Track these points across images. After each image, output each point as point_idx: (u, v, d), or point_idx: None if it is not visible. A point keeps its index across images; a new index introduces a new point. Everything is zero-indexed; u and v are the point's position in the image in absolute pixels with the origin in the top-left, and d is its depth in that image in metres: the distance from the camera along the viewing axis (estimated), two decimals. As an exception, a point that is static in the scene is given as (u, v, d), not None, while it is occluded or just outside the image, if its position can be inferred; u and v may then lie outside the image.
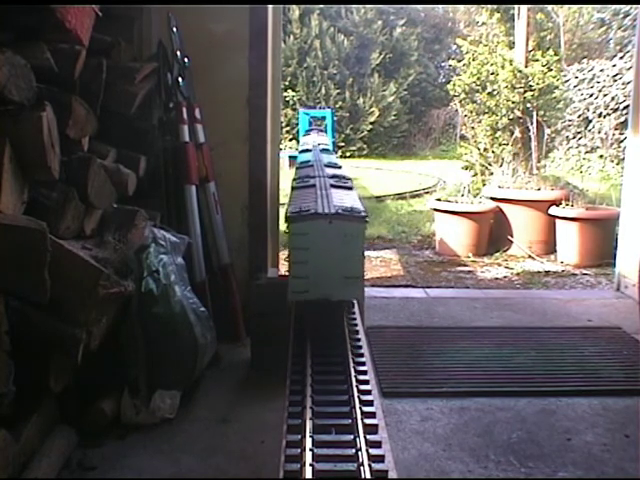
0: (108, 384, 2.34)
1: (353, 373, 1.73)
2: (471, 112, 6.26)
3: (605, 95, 9.58)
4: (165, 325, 2.42)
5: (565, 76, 8.39)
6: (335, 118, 13.54)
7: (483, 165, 6.23)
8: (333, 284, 1.97)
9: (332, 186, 2.54)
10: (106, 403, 2.28)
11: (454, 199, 5.87)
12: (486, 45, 6.35)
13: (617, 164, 8.76)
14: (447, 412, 2.51)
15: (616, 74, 9.65)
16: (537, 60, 5.93)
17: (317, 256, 1.96)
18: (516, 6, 6.08)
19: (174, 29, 3.08)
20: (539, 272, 5.02)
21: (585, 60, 10.46)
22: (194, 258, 3.01)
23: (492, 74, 6.00)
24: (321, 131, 6.76)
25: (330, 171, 3.02)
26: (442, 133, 15.80)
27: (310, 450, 1.35)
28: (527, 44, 6.07)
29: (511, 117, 5.94)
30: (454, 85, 6.31)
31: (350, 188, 2.62)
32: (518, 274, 5.00)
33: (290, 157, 9.44)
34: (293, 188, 2.62)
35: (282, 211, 3.35)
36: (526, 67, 5.96)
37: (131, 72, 2.77)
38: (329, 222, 1.97)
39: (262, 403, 2.48)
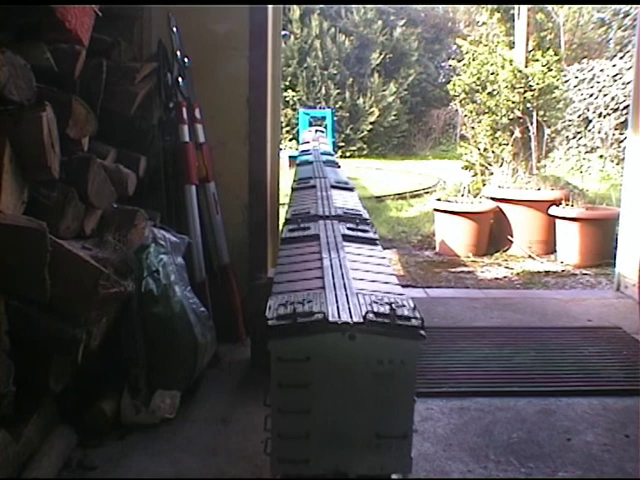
0: (108, 384, 2.34)
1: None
2: (471, 112, 6.26)
3: (605, 95, 9.57)
4: (165, 325, 2.41)
5: (565, 76, 8.38)
6: (335, 118, 13.54)
7: (483, 165, 6.23)
8: (354, 449, 1.24)
9: (345, 238, 1.84)
10: (106, 403, 2.28)
11: (454, 199, 5.87)
12: (486, 45, 6.35)
13: (617, 164, 8.76)
14: (447, 412, 2.51)
15: (616, 74, 9.65)
16: (537, 60, 5.92)
17: (326, 399, 1.24)
18: (516, 6, 6.07)
19: (174, 29, 3.08)
20: (539, 272, 5.02)
21: (585, 60, 10.46)
22: (194, 258, 3.01)
23: (492, 74, 6.00)
24: (321, 131, 6.70)
25: (338, 197, 2.42)
26: (442, 133, 15.80)
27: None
28: (527, 44, 6.06)
29: (511, 117, 5.94)
30: (454, 85, 6.31)
31: (372, 240, 1.88)
32: (518, 274, 5.00)
33: (290, 157, 9.43)
34: (283, 240, 1.95)
35: (282, 211, 3.36)
36: (526, 67, 5.96)
37: (131, 72, 2.78)
38: (349, 337, 1.21)
39: (262, 403, 2.47)
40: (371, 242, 1.87)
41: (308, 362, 1.22)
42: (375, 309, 1.26)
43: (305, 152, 4.47)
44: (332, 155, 4.49)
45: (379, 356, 1.21)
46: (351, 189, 2.75)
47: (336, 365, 1.22)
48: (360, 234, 1.92)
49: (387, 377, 1.21)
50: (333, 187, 2.69)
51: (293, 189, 2.92)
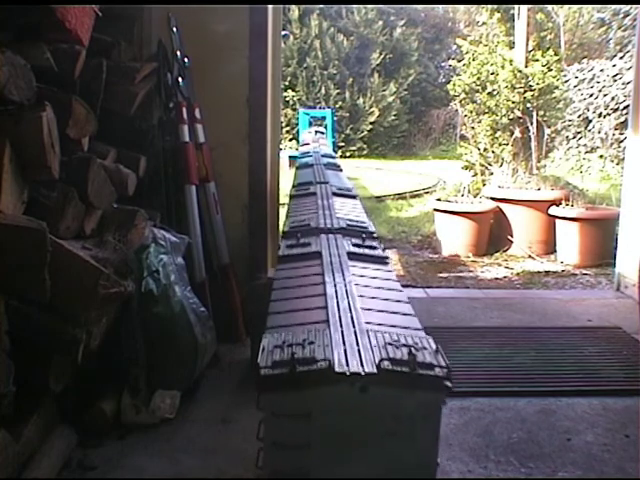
0: (108, 384, 2.34)
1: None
2: (471, 112, 6.26)
3: (605, 95, 9.57)
4: (165, 325, 2.41)
5: (565, 76, 8.38)
6: (335, 118, 13.54)
7: (483, 165, 6.23)
8: None
9: (351, 256, 1.64)
10: (106, 403, 2.28)
11: (454, 199, 5.86)
12: (486, 45, 6.35)
13: (617, 164, 8.76)
14: (447, 412, 2.50)
15: (616, 74, 9.65)
16: (537, 60, 5.92)
17: (330, 463, 1.02)
18: (516, 6, 6.07)
19: (174, 29, 3.08)
20: (539, 272, 5.02)
21: (585, 60, 10.45)
22: (194, 258, 3.01)
23: (492, 74, 6.00)
24: (321, 132, 6.58)
25: (341, 206, 2.20)
26: (442, 133, 15.79)
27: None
28: (527, 44, 6.06)
29: (511, 117, 5.94)
30: (454, 85, 6.31)
31: (382, 259, 1.68)
32: (518, 274, 5.00)
33: (290, 157, 9.42)
34: (281, 259, 1.75)
35: (282, 211, 3.36)
36: (526, 67, 5.96)
37: (131, 72, 2.77)
38: (360, 389, 0.99)
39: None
40: (380, 261, 1.68)
41: (309, 419, 1.00)
42: (391, 354, 1.05)
43: (305, 154, 4.36)
44: (333, 157, 4.36)
45: (396, 412, 0.99)
46: (354, 196, 2.62)
47: (343, 423, 1.00)
48: (367, 251, 1.74)
49: (405, 437, 0.98)
50: (335, 194, 2.53)
51: (291, 196, 2.79)
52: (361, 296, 1.41)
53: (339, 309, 1.31)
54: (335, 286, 1.44)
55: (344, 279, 1.48)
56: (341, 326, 1.22)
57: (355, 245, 1.79)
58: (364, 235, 1.87)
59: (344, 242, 1.79)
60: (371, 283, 1.52)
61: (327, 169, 3.42)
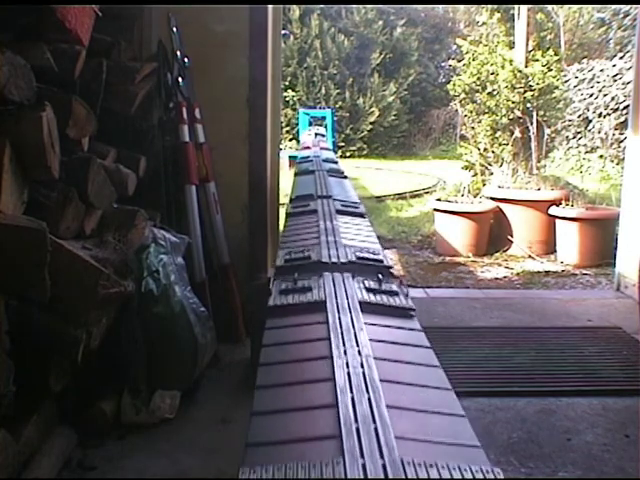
0: (108, 384, 2.34)
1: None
2: (471, 112, 6.26)
3: (605, 95, 9.57)
4: (165, 325, 2.41)
5: (565, 76, 8.38)
6: (335, 118, 13.54)
7: (483, 165, 6.23)
8: None
9: (364, 307, 1.31)
10: (106, 403, 2.28)
11: (454, 199, 5.86)
12: (486, 45, 6.34)
13: (617, 164, 8.75)
14: (447, 412, 2.50)
15: (616, 74, 9.65)
16: (537, 60, 5.92)
17: None
18: (516, 6, 6.07)
19: (174, 29, 3.08)
20: (539, 272, 5.02)
21: (585, 60, 10.45)
22: (194, 258, 3.01)
23: (492, 74, 6.00)
24: (322, 135, 6.33)
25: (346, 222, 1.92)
26: (442, 133, 15.79)
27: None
28: (527, 44, 6.06)
29: (511, 117, 5.94)
30: (454, 85, 6.31)
31: (405, 311, 1.33)
32: (518, 274, 5.00)
33: (290, 157, 9.42)
34: (272, 311, 1.38)
35: (282, 211, 3.35)
36: (526, 67, 5.96)
37: (131, 72, 2.78)
38: None
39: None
40: (403, 314, 1.32)
41: None
42: None
43: (305, 159, 4.08)
44: (336, 162, 4.05)
45: None
46: (362, 214, 2.29)
47: None
48: (385, 299, 1.37)
49: None
50: (339, 212, 2.21)
51: (288, 214, 2.42)
52: (385, 381, 1.04)
53: (355, 413, 0.93)
54: (347, 365, 1.07)
55: (359, 351, 1.13)
56: (361, 453, 0.83)
57: (369, 290, 1.42)
58: (379, 273, 1.53)
59: (354, 285, 1.45)
60: (396, 355, 1.16)
61: (329, 176, 3.22)
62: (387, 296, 1.41)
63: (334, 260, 1.64)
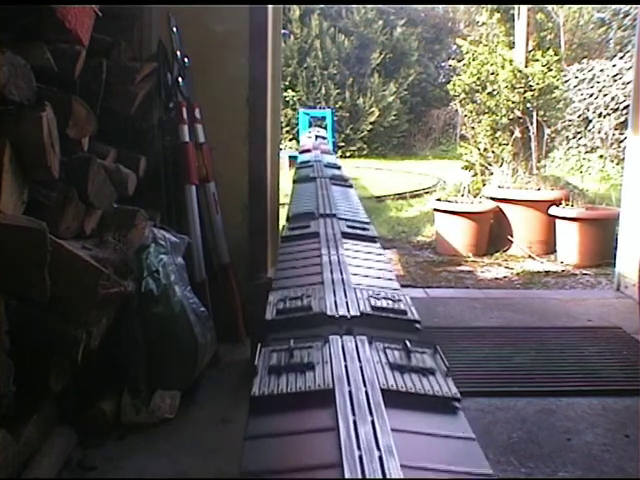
0: (108, 384, 2.34)
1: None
2: (471, 112, 6.26)
3: (605, 95, 9.57)
4: (165, 325, 2.41)
5: (565, 76, 8.38)
6: (335, 118, 13.54)
7: (483, 165, 6.23)
8: None
9: (388, 400, 0.95)
10: (106, 403, 2.28)
11: (454, 199, 5.86)
12: (486, 45, 6.34)
13: (617, 164, 8.75)
14: (447, 412, 2.50)
15: (616, 74, 9.64)
16: (537, 60, 5.92)
17: None
18: (516, 6, 6.07)
19: (174, 29, 3.08)
20: (539, 272, 5.02)
21: (585, 60, 10.45)
22: (194, 258, 3.01)
23: (492, 74, 6.00)
24: (322, 137, 6.16)
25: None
26: (442, 133, 15.78)
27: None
28: (527, 44, 6.06)
29: (511, 117, 5.94)
30: (454, 85, 6.31)
31: (445, 402, 1.02)
32: (518, 274, 5.00)
33: (290, 157, 9.42)
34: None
35: (282, 211, 3.35)
36: (526, 67, 5.96)
37: (131, 72, 2.78)
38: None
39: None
40: (445, 408, 1.03)
41: None
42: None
43: (305, 164, 3.80)
44: (339, 168, 3.73)
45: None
46: (373, 239, 1.93)
47: None
48: (418, 383, 1.03)
49: None
50: (346, 235, 1.89)
51: (284, 238, 2.04)
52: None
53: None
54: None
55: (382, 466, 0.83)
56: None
57: (394, 367, 1.07)
58: (408, 340, 1.16)
59: (373, 356, 1.09)
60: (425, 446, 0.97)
61: (332, 184, 2.91)
62: (420, 376, 1.07)
63: (342, 312, 1.30)
